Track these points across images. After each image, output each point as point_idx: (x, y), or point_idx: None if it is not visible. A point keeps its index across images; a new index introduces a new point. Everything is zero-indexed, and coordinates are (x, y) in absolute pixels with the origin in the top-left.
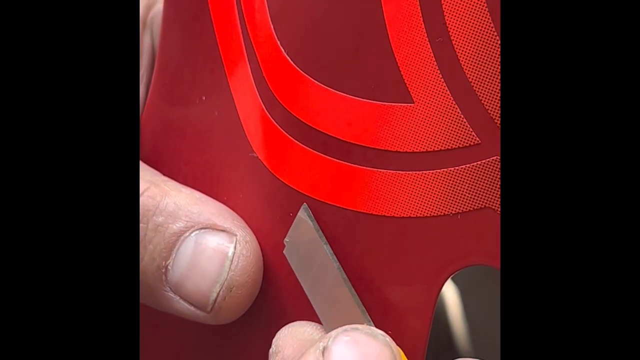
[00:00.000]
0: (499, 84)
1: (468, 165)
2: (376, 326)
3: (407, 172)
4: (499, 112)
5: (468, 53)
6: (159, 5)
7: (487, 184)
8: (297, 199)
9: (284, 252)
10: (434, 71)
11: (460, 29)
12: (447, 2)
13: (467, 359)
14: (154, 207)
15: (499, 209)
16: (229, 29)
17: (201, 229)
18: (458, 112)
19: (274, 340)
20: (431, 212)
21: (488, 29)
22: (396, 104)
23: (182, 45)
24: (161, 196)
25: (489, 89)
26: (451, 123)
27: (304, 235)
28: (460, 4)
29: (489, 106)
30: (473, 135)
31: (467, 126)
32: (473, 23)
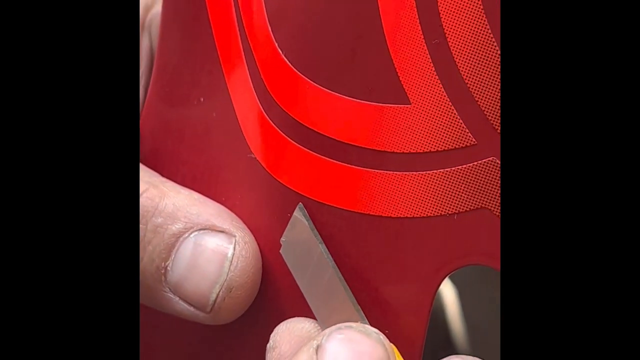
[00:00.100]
0: (495, 85)
1: (464, 165)
2: (373, 325)
3: (404, 173)
4: (495, 113)
5: (464, 54)
6: (158, 7)
7: (483, 184)
8: (294, 199)
9: (280, 251)
10: (430, 72)
11: (457, 30)
12: (444, 4)
13: (463, 356)
14: (153, 208)
15: (495, 210)
16: (227, 30)
17: (200, 230)
18: (454, 113)
19: (271, 336)
20: (428, 212)
21: (484, 31)
22: (393, 105)
23: (181, 47)
24: (160, 197)
25: (485, 90)
26: (447, 124)
27: (299, 234)
28: (456, 5)
29: (485, 107)
30: (469, 136)
31: (463, 127)
32: (469, 25)
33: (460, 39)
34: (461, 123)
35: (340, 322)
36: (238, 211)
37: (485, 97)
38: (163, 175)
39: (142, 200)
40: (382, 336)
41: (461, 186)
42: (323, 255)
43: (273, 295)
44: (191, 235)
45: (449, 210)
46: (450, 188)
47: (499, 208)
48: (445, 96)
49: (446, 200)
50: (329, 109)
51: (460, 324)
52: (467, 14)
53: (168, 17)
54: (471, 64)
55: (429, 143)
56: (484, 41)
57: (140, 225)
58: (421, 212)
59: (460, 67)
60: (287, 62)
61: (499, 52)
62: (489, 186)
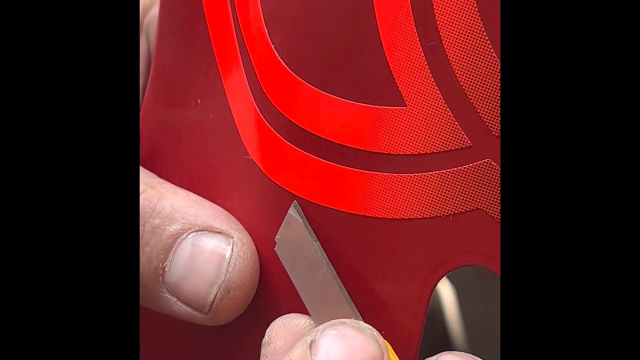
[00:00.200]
0: (490, 87)
1: (460, 167)
2: (369, 324)
3: (400, 175)
4: (490, 114)
5: (459, 57)
6: (155, 10)
7: (479, 186)
8: (291, 201)
9: (275, 249)
10: (426, 75)
11: (452, 33)
12: (439, 6)
13: (456, 352)
14: (151, 209)
15: (491, 211)
16: (223, 32)
17: (198, 231)
18: (450, 115)
19: (267, 331)
20: (424, 213)
21: (479, 33)
22: (389, 107)
23: (178, 49)
24: (158, 198)
25: (481, 92)
26: (443, 126)
27: (294, 232)
28: (451, 8)
29: (481, 109)
30: (465, 138)
31: (458, 129)
32: (464, 27)
33: (456, 41)
34: (456, 125)
35: (334, 319)
36: (235, 212)
37: (481, 99)
38: (161, 177)
39: (140, 201)
40: (375, 332)
41: (457, 188)
42: (317, 253)
43: (270, 296)
44: (189, 236)
45: (444, 212)
46: (446, 189)
47: (494, 209)
48: (440, 98)
49: (442, 201)
50: (325, 111)
51: (458, 323)
52: (462, 16)
53: (165, 19)
54: (466, 66)
55: (425, 145)
56: (479, 43)
57: None
58: (417, 214)
59: (455, 69)
60: (284, 64)
61: (494, 54)
62: (484, 187)
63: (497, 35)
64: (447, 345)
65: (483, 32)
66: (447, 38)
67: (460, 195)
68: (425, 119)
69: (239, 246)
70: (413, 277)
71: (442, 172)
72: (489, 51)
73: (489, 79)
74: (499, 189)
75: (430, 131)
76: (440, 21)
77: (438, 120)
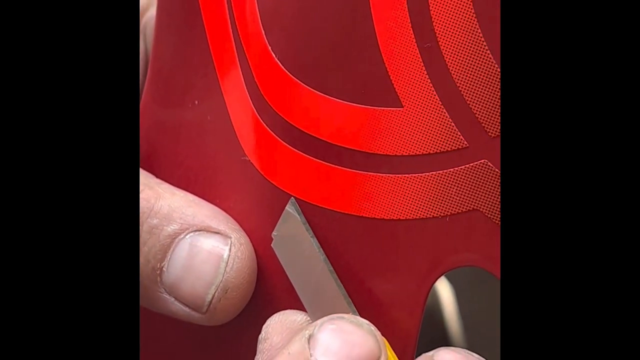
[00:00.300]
0: (486, 88)
1: (456, 168)
2: None
3: (397, 175)
4: (487, 115)
5: (456, 58)
6: (152, 11)
7: (475, 186)
8: (288, 201)
9: (271, 245)
10: (422, 76)
11: (448, 34)
12: (435, 7)
13: (452, 348)
14: (149, 209)
15: (487, 212)
16: (221, 34)
17: (196, 231)
18: (446, 116)
19: (263, 327)
20: (420, 214)
21: (475, 34)
22: (385, 108)
23: (175, 50)
24: (155, 199)
25: (477, 93)
26: (439, 127)
27: (291, 228)
28: (448, 9)
29: (477, 110)
30: (461, 139)
31: (455, 130)
32: (461, 28)
33: (452, 43)
34: (453, 126)
35: (331, 314)
36: (232, 213)
37: (477, 100)
38: (158, 177)
39: None
40: (373, 327)
41: (453, 188)
42: (314, 249)
43: (268, 296)
44: (187, 237)
45: (441, 212)
46: (443, 190)
47: (491, 210)
48: (437, 99)
49: (438, 202)
50: (321, 112)
51: (457, 322)
52: (458, 17)
53: (162, 20)
54: (463, 67)
55: (421, 146)
56: (475, 44)
57: None
58: (414, 214)
59: (452, 70)
60: (280, 65)
61: (490, 55)
62: (480, 188)
63: (494, 36)
64: (446, 343)
65: (479, 33)
66: (443, 39)
67: (457, 196)
68: (422, 120)
69: (236, 246)
70: (410, 277)
71: (439, 173)
72: (486, 52)
73: (486, 79)
74: (495, 189)
75: (427, 132)
76: (436, 22)
77: (434, 121)
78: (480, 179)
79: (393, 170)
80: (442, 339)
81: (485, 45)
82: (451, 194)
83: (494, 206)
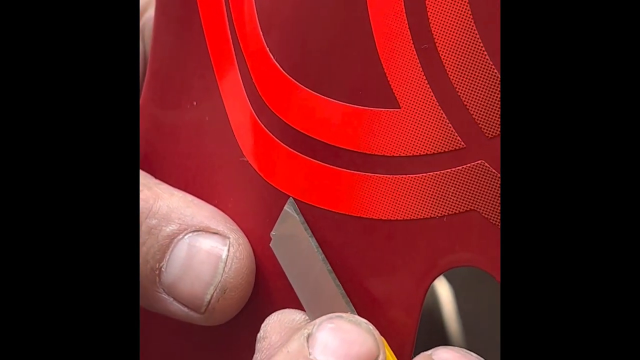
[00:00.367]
0: (483, 89)
1: (453, 169)
2: None
3: (395, 176)
4: (484, 116)
5: (453, 59)
6: (150, 12)
7: (472, 187)
8: (286, 202)
9: (270, 245)
10: (419, 77)
11: (445, 35)
12: (432, 8)
13: (449, 347)
14: (147, 210)
15: (484, 212)
16: (219, 34)
17: (194, 231)
18: (443, 117)
19: (262, 326)
20: (418, 214)
21: (472, 36)
22: (383, 109)
23: (173, 51)
24: (154, 199)
25: (474, 94)
26: (437, 128)
27: (289, 228)
28: (445, 10)
29: (474, 111)
30: (458, 140)
31: (452, 131)
32: (458, 29)
33: (449, 44)
34: (450, 127)
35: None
36: (231, 213)
37: (474, 101)
38: (156, 178)
39: None
40: (371, 326)
41: (450, 189)
42: (313, 249)
43: (266, 296)
44: (185, 237)
45: (438, 213)
46: (440, 191)
47: (488, 210)
48: (434, 100)
49: (436, 202)
50: (319, 113)
51: (455, 322)
52: (455, 18)
53: (160, 21)
54: (460, 68)
55: (419, 146)
56: (472, 45)
57: None
58: (411, 215)
59: (449, 71)
60: (278, 66)
61: (486, 56)
62: (477, 189)
63: (491, 37)
64: (444, 342)
65: (476, 34)
66: (440, 40)
67: (454, 197)
68: (419, 121)
69: (235, 247)
70: (408, 277)
71: (436, 174)
72: (482, 53)
73: (482, 80)
74: (492, 190)
75: (424, 133)
76: (433, 23)
77: (432, 122)
78: (478, 179)
79: (390, 171)
80: (441, 338)
81: (482, 46)
82: (448, 194)
83: (491, 206)
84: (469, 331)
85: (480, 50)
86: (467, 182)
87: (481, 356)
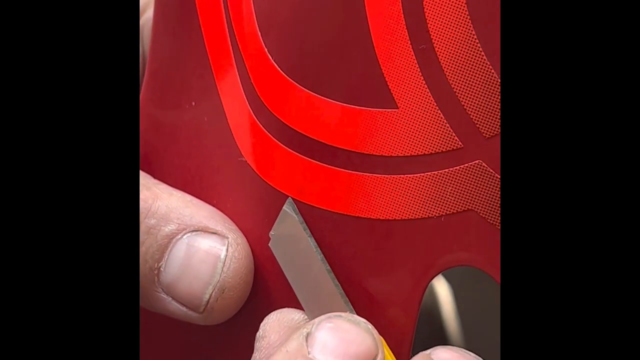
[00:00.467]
0: (481, 89)
1: (451, 169)
2: None
3: (392, 176)
4: (481, 116)
5: (450, 59)
6: (149, 12)
7: (470, 187)
8: (284, 202)
9: (269, 244)
10: (417, 77)
11: (443, 36)
12: (430, 9)
13: (448, 346)
14: (146, 210)
15: (482, 212)
16: (217, 35)
17: (193, 231)
18: (441, 117)
19: (261, 325)
20: (416, 214)
21: (470, 36)
22: (381, 109)
23: (172, 52)
24: (153, 199)
25: (471, 94)
26: (435, 128)
27: (288, 228)
28: (442, 11)
29: (471, 111)
30: (456, 140)
31: (450, 131)
32: (455, 30)
33: (447, 44)
34: (448, 127)
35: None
36: (229, 213)
37: (471, 101)
38: (155, 178)
39: None
40: (370, 326)
41: (448, 189)
42: (311, 248)
43: (265, 296)
44: (184, 237)
45: (436, 213)
46: (438, 191)
47: (485, 210)
48: (432, 100)
49: (434, 202)
50: (317, 113)
51: (454, 322)
52: (453, 19)
53: (159, 21)
54: (457, 69)
55: (416, 146)
56: (469, 46)
57: None
58: (409, 215)
59: (446, 71)
60: (276, 66)
61: (484, 56)
62: (475, 189)
63: (488, 37)
64: (443, 342)
65: (474, 34)
66: (438, 41)
67: (452, 196)
68: (417, 121)
69: (233, 247)
70: (406, 276)
71: (434, 174)
72: (480, 53)
73: (480, 81)
74: (490, 190)
75: (422, 133)
76: (431, 24)
77: (429, 122)
78: (475, 179)
79: (389, 171)
80: (439, 338)
81: (479, 47)
82: (446, 194)
83: (489, 206)
84: (467, 331)
85: (478, 50)
86: (464, 182)
87: (480, 356)
